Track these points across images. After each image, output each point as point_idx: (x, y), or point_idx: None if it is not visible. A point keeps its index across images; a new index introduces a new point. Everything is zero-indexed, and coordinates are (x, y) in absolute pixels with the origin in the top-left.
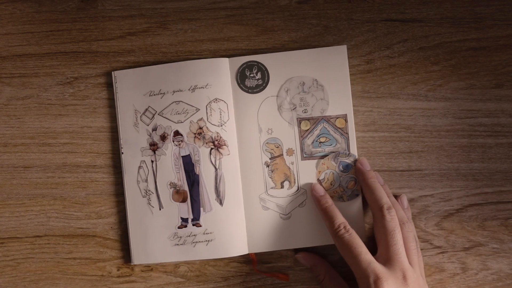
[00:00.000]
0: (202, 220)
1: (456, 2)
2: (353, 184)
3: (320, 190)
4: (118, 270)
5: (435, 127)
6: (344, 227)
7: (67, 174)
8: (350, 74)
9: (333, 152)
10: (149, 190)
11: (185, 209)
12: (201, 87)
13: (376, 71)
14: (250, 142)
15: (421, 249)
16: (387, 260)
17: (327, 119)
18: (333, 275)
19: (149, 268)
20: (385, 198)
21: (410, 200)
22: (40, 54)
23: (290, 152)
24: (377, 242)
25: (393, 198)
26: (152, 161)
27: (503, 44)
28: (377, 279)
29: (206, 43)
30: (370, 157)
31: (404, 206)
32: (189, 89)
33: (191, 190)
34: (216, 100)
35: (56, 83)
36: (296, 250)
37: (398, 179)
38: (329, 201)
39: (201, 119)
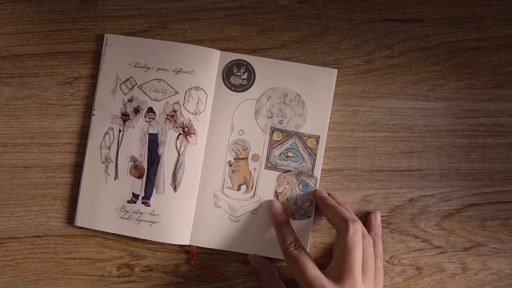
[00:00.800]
0: (152, 201)
1: (456, 2)
2: (308, 205)
3: (279, 208)
4: (118, 270)
5: (435, 127)
6: (295, 245)
7: (67, 174)
8: (350, 74)
9: (297, 169)
10: (109, 158)
11: (139, 186)
12: (185, 72)
13: (376, 71)
14: (219, 138)
15: (421, 249)
16: (339, 275)
17: (300, 136)
18: (275, 283)
19: (149, 268)
20: (347, 213)
21: (410, 200)
22: (40, 54)
23: (256, 158)
24: (333, 255)
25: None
26: (119, 131)
27: (503, 44)
28: None
29: (206, 43)
30: (370, 157)
31: (376, 222)
32: (173, 71)
33: (149, 169)
34: (197, 88)
35: (56, 83)
36: (243, 255)
37: (398, 179)
38: (285, 219)
39: (177, 103)
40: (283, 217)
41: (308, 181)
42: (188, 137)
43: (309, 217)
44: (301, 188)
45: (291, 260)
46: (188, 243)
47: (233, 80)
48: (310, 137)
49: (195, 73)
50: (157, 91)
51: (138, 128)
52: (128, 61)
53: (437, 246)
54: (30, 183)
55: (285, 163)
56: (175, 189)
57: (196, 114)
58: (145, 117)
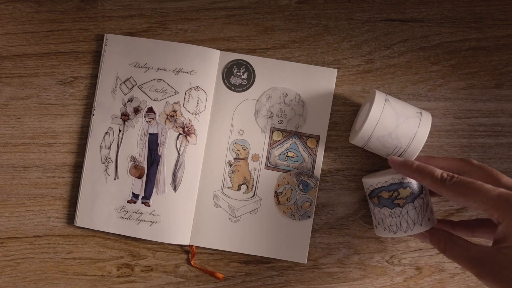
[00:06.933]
0: (152, 201)
1: (456, 2)
2: (308, 205)
3: (398, 158)
4: (118, 270)
5: (435, 127)
6: (448, 174)
7: (67, 174)
8: (350, 74)
9: (297, 169)
10: (109, 158)
11: (139, 186)
12: (185, 72)
13: (376, 71)
14: (219, 138)
15: (421, 249)
16: None
17: (300, 136)
18: (454, 239)
19: (149, 268)
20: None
21: None
22: (40, 54)
23: (256, 158)
24: None
25: None
26: (119, 131)
27: (503, 44)
28: None
29: (206, 43)
30: (370, 157)
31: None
32: (173, 71)
33: (149, 169)
34: (197, 88)
35: (56, 83)
36: (243, 255)
37: None
38: (415, 161)
39: (177, 103)
40: (412, 161)
41: (308, 181)
42: (188, 137)
43: (309, 217)
44: (301, 188)
45: (457, 187)
46: (188, 243)
47: (233, 80)
48: (310, 137)
49: (195, 73)
50: (157, 91)
51: (138, 128)
52: (128, 61)
53: None
54: (30, 183)
55: (285, 163)
56: (175, 189)
57: (196, 114)
58: (145, 117)
